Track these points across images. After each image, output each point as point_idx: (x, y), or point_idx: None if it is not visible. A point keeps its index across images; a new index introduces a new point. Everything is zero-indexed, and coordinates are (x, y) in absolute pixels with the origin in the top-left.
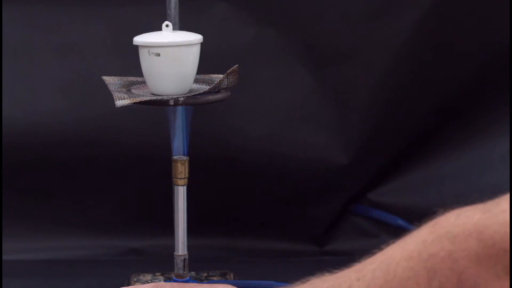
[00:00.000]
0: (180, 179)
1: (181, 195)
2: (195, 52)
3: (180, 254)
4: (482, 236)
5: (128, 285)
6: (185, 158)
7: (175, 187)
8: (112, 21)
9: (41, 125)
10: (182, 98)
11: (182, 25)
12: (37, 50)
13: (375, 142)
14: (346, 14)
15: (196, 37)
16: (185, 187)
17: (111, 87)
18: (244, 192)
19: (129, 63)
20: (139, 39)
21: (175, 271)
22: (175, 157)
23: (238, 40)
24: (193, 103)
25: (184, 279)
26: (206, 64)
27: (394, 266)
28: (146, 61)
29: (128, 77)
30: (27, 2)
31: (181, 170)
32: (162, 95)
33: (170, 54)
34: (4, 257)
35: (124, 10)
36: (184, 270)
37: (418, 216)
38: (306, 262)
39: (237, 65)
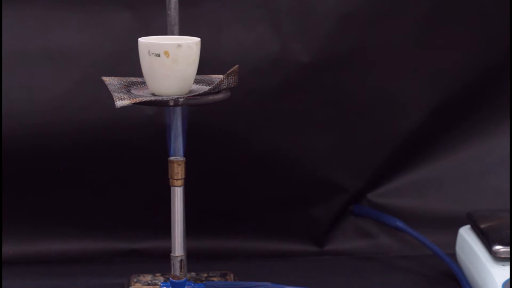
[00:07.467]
0: (176, 179)
1: (177, 195)
2: (195, 52)
3: (176, 255)
4: None
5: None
6: (181, 158)
7: (172, 187)
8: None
9: (41, 127)
10: (182, 99)
11: (182, 25)
12: (32, 58)
13: (375, 143)
14: (347, 15)
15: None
16: (181, 188)
17: (111, 88)
18: (244, 192)
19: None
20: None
21: (172, 272)
22: (171, 158)
23: (239, 41)
24: (193, 104)
25: (180, 281)
26: (206, 64)
27: None
28: (146, 61)
29: (128, 78)
30: (21, 8)
31: (178, 171)
32: (162, 96)
33: (170, 55)
34: (4, 257)
35: (122, 16)
36: (181, 271)
37: (418, 217)
38: (306, 262)
39: (237, 65)
